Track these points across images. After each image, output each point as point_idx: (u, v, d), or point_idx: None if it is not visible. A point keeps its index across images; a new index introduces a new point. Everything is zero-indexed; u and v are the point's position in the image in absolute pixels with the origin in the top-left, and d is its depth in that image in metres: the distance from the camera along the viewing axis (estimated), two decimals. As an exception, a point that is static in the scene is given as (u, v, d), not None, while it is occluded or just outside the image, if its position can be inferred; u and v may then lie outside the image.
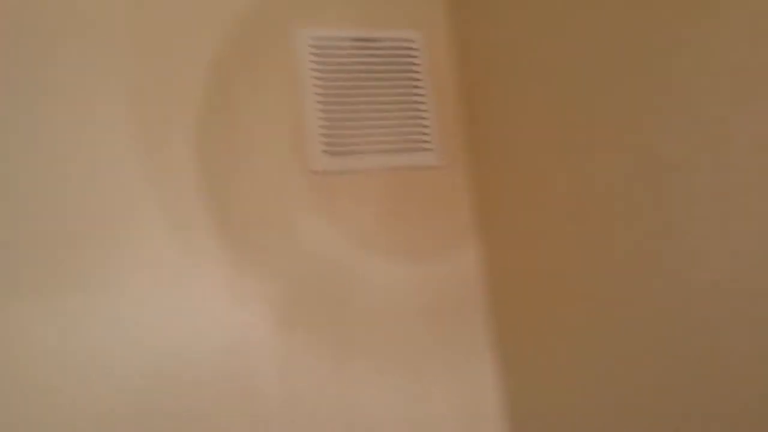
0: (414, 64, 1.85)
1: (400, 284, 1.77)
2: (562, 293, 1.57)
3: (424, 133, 1.82)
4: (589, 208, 1.47)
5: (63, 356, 1.48)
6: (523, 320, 1.72)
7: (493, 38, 1.75)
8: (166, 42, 1.66)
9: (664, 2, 1.24)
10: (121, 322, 1.53)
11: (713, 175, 1.17)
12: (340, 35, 1.78)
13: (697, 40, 1.18)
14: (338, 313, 1.71)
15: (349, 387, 1.69)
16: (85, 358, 1.49)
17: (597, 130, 1.43)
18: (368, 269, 1.75)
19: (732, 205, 1.14)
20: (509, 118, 1.71)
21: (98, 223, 1.54)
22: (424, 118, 1.83)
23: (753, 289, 1.11)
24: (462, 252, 1.84)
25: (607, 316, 1.44)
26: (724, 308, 1.17)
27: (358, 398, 1.70)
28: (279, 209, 1.70)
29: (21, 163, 1.50)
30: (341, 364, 1.69)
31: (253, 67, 1.72)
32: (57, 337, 1.48)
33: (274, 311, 1.65)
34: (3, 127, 1.50)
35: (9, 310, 1.45)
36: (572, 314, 1.54)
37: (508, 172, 1.73)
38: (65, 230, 1.51)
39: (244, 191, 1.67)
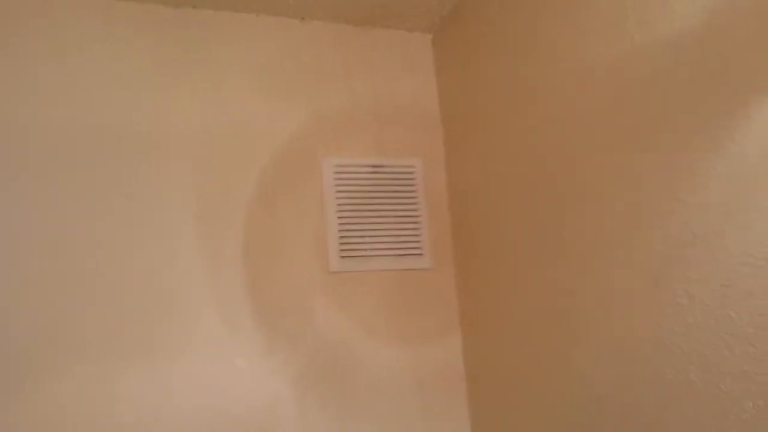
0: (414, 185, 2.31)
1: (395, 363, 2.20)
2: (528, 376, 1.97)
3: (419, 242, 2.26)
4: (545, 308, 1.89)
5: (135, 404, 1.91)
6: (494, 397, 2.13)
7: (477, 168, 2.21)
8: (223, 164, 2.16)
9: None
10: (179, 383, 1.96)
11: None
12: (357, 162, 2.24)
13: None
14: (345, 384, 2.14)
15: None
16: (146, 410, 1.92)
17: (556, 247, 1.85)
18: (370, 350, 2.19)
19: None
20: (488, 233, 2.16)
21: (163, 303, 2.00)
22: (419, 230, 2.27)
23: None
24: (446, 339, 2.28)
25: (562, 396, 1.84)
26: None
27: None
28: (303, 300, 2.15)
29: (108, 256, 1.99)
30: (346, 425, 2.11)
31: (289, 185, 2.20)
32: (132, 388, 1.92)
33: (295, 382, 2.08)
34: (97, 231, 1.99)
35: (101, 371, 1.91)
36: (536, 394, 1.94)
37: (486, 276, 2.17)
38: (145, 314, 1.98)
39: (278, 284, 2.13)
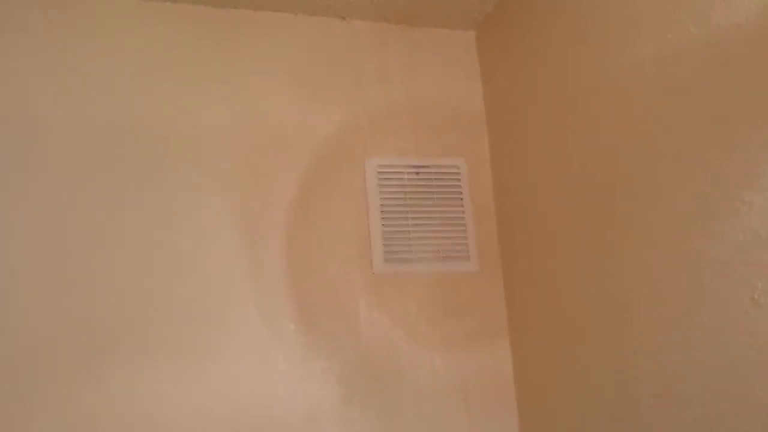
0: (458, 186, 2.26)
1: (440, 368, 2.13)
2: (580, 382, 1.90)
3: (465, 245, 2.21)
4: (597, 312, 1.82)
5: (175, 406, 1.89)
6: (544, 404, 2.07)
7: (523, 168, 2.16)
8: (264, 163, 2.13)
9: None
10: (219, 384, 1.93)
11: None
12: (401, 163, 2.21)
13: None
14: (388, 389, 2.08)
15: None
16: (189, 409, 1.90)
17: (607, 248, 1.79)
18: (414, 354, 2.12)
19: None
20: (536, 235, 2.10)
21: (202, 304, 1.98)
22: (465, 232, 2.22)
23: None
24: (494, 344, 2.21)
25: (616, 403, 1.76)
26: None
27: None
28: (345, 303, 2.10)
29: (155, 264, 1.98)
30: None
31: (331, 185, 2.17)
32: (172, 389, 1.90)
33: (337, 386, 2.03)
34: (134, 232, 1.98)
35: (140, 371, 1.89)
36: (589, 400, 1.87)
37: (534, 280, 2.11)
38: (185, 314, 1.96)
39: (319, 287, 2.09)
